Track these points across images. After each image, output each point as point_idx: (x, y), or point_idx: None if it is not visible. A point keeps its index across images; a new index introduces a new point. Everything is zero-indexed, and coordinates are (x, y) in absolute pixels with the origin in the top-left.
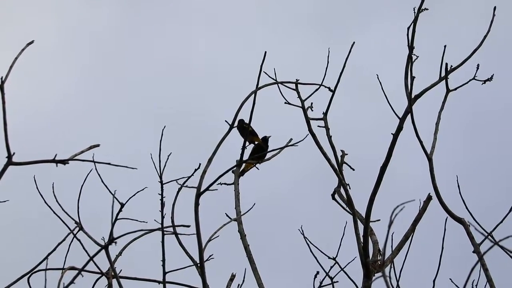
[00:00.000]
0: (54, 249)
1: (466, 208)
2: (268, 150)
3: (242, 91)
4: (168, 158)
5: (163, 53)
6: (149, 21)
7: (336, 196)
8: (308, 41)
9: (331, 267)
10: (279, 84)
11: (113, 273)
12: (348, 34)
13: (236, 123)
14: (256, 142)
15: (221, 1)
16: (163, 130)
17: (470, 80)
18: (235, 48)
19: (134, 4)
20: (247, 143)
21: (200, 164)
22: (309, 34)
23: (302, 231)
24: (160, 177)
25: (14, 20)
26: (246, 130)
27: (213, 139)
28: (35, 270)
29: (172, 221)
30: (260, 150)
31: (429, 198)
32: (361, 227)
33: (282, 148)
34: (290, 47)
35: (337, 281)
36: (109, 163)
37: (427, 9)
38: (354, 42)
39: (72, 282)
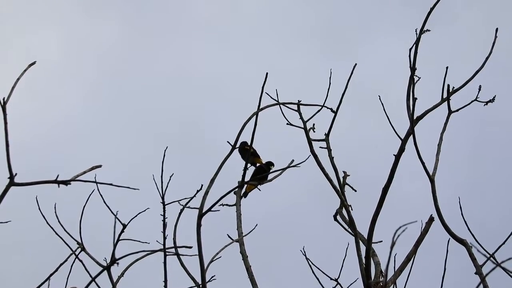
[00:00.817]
0: (56, 270)
1: (468, 229)
2: (270, 171)
3: (245, 105)
4: (170, 179)
5: (166, 67)
6: (152, 34)
7: (338, 217)
8: (311, 54)
9: None
10: (281, 105)
11: None
12: (352, 47)
13: (238, 145)
14: (258, 164)
15: (224, 15)
16: (165, 151)
17: (472, 101)
18: (238, 61)
19: (137, 18)
20: (248, 164)
21: (202, 185)
22: (312, 47)
23: (304, 252)
24: (162, 198)
25: (19, 36)
26: (247, 151)
27: (215, 159)
28: None
29: (174, 242)
30: (261, 172)
31: (431, 219)
32: (363, 248)
33: (284, 169)
34: (293, 60)
35: None
36: (111, 184)
37: (429, 31)
38: (356, 64)
39: None
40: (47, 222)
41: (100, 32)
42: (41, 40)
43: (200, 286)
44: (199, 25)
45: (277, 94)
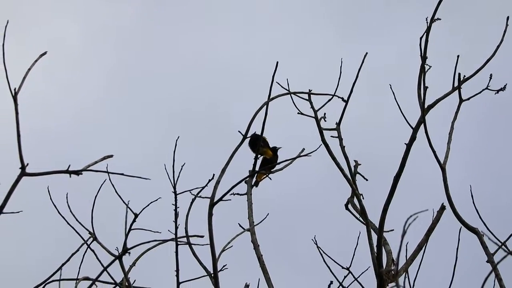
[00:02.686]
0: (68, 260)
1: (480, 217)
2: (281, 160)
3: (261, 92)
4: (181, 169)
5: (185, 54)
6: (172, 20)
7: (350, 206)
8: (331, 38)
9: (345, 277)
10: (291, 95)
11: (127, 284)
12: (368, 33)
13: (249, 135)
14: (266, 155)
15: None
16: (176, 140)
17: (483, 90)
18: (258, 47)
19: (157, 3)
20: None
21: (213, 174)
22: (333, 31)
23: (316, 241)
24: (174, 187)
25: (39, 22)
26: (258, 141)
27: (228, 148)
28: (49, 281)
29: (186, 232)
30: (269, 162)
31: (442, 208)
32: (374, 237)
33: (295, 158)
34: (313, 44)
35: None
36: (122, 174)
37: (439, 19)
38: (366, 53)
39: None
40: (59, 212)
41: (119, 17)
42: (59, 26)
43: (212, 275)
44: (220, 9)
45: (288, 84)
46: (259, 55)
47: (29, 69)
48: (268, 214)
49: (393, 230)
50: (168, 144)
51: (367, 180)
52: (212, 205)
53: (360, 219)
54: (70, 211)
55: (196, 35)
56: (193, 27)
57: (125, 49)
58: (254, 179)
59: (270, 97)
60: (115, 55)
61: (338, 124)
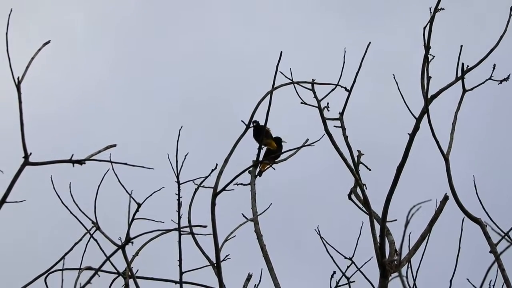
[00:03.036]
0: (71, 249)
1: (483, 208)
2: (284, 150)
3: (264, 82)
4: (185, 158)
5: (188, 41)
6: (175, 8)
7: (353, 196)
8: (336, 26)
9: (348, 267)
10: (295, 84)
11: (129, 273)
12: (374, 19)
13: (252, 125)
14: (270, 146)
15: None
16: (180, 130)
17: (486, 80)
18: (262, 35)
19: None
20: (262, 145)
21: (216, 164)
22: (338, 18)
23: (319, 231)
24: (177, 177)
25: (43, 9)
26: (262, 130)
27: (232, 137)
28: (52, 270)
29: (189, 221)
30: (273, 152)
31: (445, 198)
32: (377, 227)
33: (298, 148)
34: (318, 32)
35: (354, 281)
36: (125, 163)
37: (443, 9)
38: (370, 43)
39: (88, 282)
40: (62, 202)
41: (122, 5)
42: (63, 14)
43: (215, 265)
44: None
45: (291, 73)
46: (262, 44)
47: (32, 58)
48: (271, 204)
49: (396, 220)
50: (171, 132)
51: (370, 170)
52: (215, 195)
53: (363, 209)
54: (73, 200)
55: (199, 24)
56: (195, 15)
57: (128, 37)
58: (258, 169)
59: (274, 87)
60: (118, 43)
61: (341, 114)
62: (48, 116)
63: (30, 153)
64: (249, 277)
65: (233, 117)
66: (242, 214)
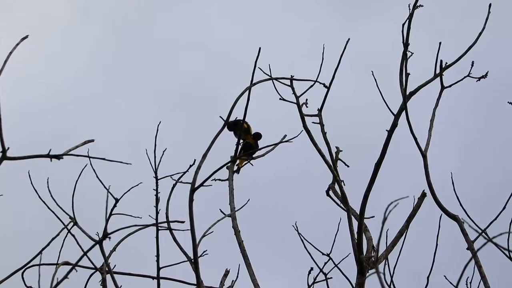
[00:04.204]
0: (48, 244)
1: (460, 205)
2: (262, 146)
3: (245, 75)
4: (163, 154)
5: (173, 31)
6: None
7: (331, 192)
8: (321, 20)
9: (325, 263)
10: (273, 80)
11: (107, 269)
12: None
13: (230, 120)
14: (247, 141)
15: None
16: (158, 125)
17: (464, 77)
18: (246, 27)
19: None
20: (241, 140)
21: (194, 160)
22: (324, 13)
23: (296, 227)
24: (155, 172)
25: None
26: (240, 127)
27: (210, 133)
28: (28, 265)
29: (167, 217)
30: (249, 148)
31: (423, 195)
32: (355, 223)
33: (276, 144)
34: (302, 26)
35: (331, 277)
36: (103, 158)
37: (422, 6)
38: (349, 39)
39: (65, 277)
40: (40, 197)
41: None
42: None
43: (192, 260)
44: None
45: (270, 69)
46: (244, 38)
47: (10, 53)
48: (249, 200)
49: (373, 216)
50: (149, 127)
51: (348, 166)
52: (193, 190)
53: (341, 205)
54: (51, 195)
55: (184, 15)
56: (184, 6)
57: (112, 27)
58: (236, 165)
59: (252, 83)
60: (104, 31)
61: (320, 110)
62: (28, 106)
63: (8, 148)
64: (226, 273)
65: (211, 112)
66: (220, 209)
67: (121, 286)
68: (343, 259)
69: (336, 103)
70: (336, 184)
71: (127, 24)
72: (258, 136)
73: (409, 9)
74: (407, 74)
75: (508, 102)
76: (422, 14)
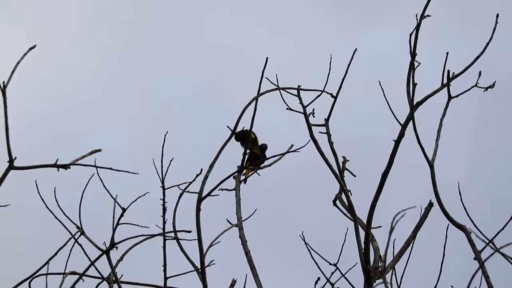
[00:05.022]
0: (56, 254)
1: (468, 215)
2: (269, 156)
3: (252, 82)
4: (170, 163)
5: (179, 37)
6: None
7: (338, 202)
8: (329, 23)
9: (332, 273)
10: (280, 90)
11: (114, 278)
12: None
13: (237, 130)
14: (253, 151)
15: None
16: (165, 135)
17: (472, 87)
18: (253, 31)
19: None
20: (247, 150)
21: (201, 169)
22: (331, 16)
23: (303, 237)
24: (162, 182)
25: (37, 2)
26: (248, 137)
27: (217, 143)
28: (36, 275)
29: (174, 227)
30: (256, 158)
31: (430, 204)
32: (362, 233)
33: (283, 154)
34: (309, 30)
35: (338, 287)
36: (110, 168)
37: (429, 16)
38: (356, 49)
39: (73, 286)
40: (47, 206)
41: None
42: (56, 8)
43: (199, 270)
44: None
45: (277, 79)
46: (255, 41)
47: (18, 63)
48: (256, 209)
49: (380, 226)
50: (158, 132)
51: (355, 176)
52: (200, 200)
53: (348, 215)
54: (58, 205)
55: (192, 20)
56: (190, 11)
57: (121, 33)
58: (243, 175)
59: (259, 93)
60: (110, 38)
61: (327, 120)
62: (38, 113)
63: (15, 158)
64: (233, 282)
65: (219, 122)
66: (227, 219)
67: None
68: (350, 269)
69: (343, 112)
70: (343, 194)
71: (135, 31)
72: (264, 146)
73: (417, 19)
74: (415, 84)
75: None
76: (430, 19)
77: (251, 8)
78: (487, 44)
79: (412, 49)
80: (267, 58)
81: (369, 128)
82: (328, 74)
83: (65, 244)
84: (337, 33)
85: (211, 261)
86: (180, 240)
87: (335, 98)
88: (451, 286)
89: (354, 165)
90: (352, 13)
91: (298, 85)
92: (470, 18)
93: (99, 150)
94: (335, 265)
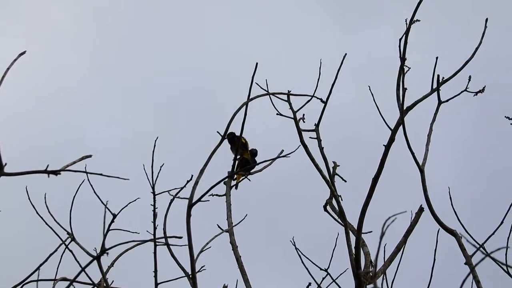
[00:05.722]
0: (46, 260)
1: (458, 219)
2: (260, 161)
3: (241, 90)
4: (160, 169)
5: (175, 38)
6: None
7: (328, 207)
8: (324, 24)
9: (323, 279)
10: (270, 95)
11: (105, 284)
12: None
13: (227, 135)
14: (244, 156)
15: None
16: (155, 141)
17: (462, 92)
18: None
19: None
20: (238, 156)
21: (192, 175)
22: (327, 16)
23: (294, 242)
24: (153, 188)
25: (32, 4)
26: (238, 143)
27: (207, 148)
28: (27, 281)
29: (164, 232)
30: (246, 163)
31: (421, 209)
32: (353, 238)
33: (274, 159)
34: (306, 31)
35: None
36: (101, 174)
37: (418, 21)
38: (346, 54)
39: None
40: (37, 212)
41: (108, 7)
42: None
43: (190, 276)
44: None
45: (267, 84)
46: (255, 43)
47: (8, 69)
48: (246, 215)
49: (371, 231)
50: (151, 135)
51: (345, 181)
52: (190, 206)
53: (339, 220)
54: (48, 211)
55: (190, 20)
56: (187, 11)
57: (116, 34)
58: (234, 181)
59: (249, 98)
60: (105, 41)
61: (317, 125)
62: (28, 116)
63: (5, 164)
64: None
65: (212, 125)
66: (217, 225)
67: None
68: (341, 274)
69: (334, 117)
70: (333, 199)
71: (128, 32)
72: (253, 151)
73: (406, 23)
74: (404, 89)
75: (505, 116)
76: (425, 20)
77: (250, 10)
78: (477, 48)
79: (401, 53)
80: (256, 63)
81: (359, 133)
82: (318, 79)
83: (55, 250)
84: (333, 33)
85: (202, 267)
86: (170, 246)
87: (325, 103)
88: None
89: (345, 170)
90: (349, 14)
91: (288, 91)
92: (463, 19)
93: (90, 156)
94: (326, 270)
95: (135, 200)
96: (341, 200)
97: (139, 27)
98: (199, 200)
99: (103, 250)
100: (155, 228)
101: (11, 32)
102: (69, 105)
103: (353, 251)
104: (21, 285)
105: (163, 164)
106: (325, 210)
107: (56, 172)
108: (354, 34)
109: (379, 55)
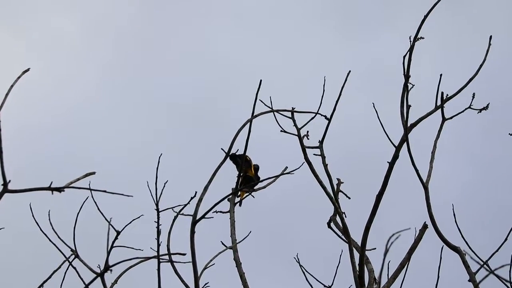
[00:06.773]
0: (50, 277)
1: (462, 236)
2: (263, 178)
3: (246, 107)
4: (164, 186)
5: (182, 49)
6: (169, 14)
7: (332, 224)
8: (329, 36)
9: None
10: (274, 112)
11: None
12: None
13: (231, 153)
14: (247, 173)
15: None
16: (159, 158)
17: (466, 109)
18: (255, 43)
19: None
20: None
21: (196, 192)
22: (331, 28)
23: (298, 259)
24: (157, 204)
25: (39, 17)
26: (242, 158)
27: (211, 165)
28: None
29: (168, 249)
30: (250, 180)
31: (425, 226)
32: (356, 255)
33: (277, 176)
34: (310, 43)
35: None
36: (104, 191)
37: (423, 38)
38: (350, 71)
39: None
40: (41, 229)
41: (118, 10)
42: (58, 21)
43: None
44: (217, 4)
45: (271, 101)
46: (257, 53)
47: (12, 86)
48: (250, 232)
49: (375, 248)
50: (155, 150)
51: (349, 198)
52: (194, 222)
53: (343, 237)
54: (52, 228)
55: (194, 33)
56: (191, 24)
57: (122, 47)
58: (238, 197)
59: (253, 115)
60: (111, 52)
61: (321, 142)
62: (34, 130)
63: (9, 181)
64: None
65: (213, 144)
66: (221, 242)
67: None
68: None
69: (338, 132)
70: (337, 216)
71: (135, 45)
72: (256, 167)
73: (410, 41)
74: (408, 106)
75: (509, 134)
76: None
77: (251, 21)
78: (481, 65)
79: (405, 71)
80: (260, 80)
81: (364, 148)
82: (322, 96)
83: (59, 267)
84: (338, 45)
85: (206, 284)
86: (174, 263)
87: (329, 120)
88: None
89: (349, 186)
90: (354, 23)
91: (292, 107)
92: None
93: (93, 173)
94: (329, 287)
95: (138, 217)
96: (345, 217)
97: (144, 40)
98: (203, 217)
99: (107, 267)
100: (158, 245)
101: (20, 45)
102: (74, 117)
103: (357, 268)
104: None
105: (167, 181)
106: (329, 227)
107: (60, 189)
108: (356, 44)
109: (383, 65)
